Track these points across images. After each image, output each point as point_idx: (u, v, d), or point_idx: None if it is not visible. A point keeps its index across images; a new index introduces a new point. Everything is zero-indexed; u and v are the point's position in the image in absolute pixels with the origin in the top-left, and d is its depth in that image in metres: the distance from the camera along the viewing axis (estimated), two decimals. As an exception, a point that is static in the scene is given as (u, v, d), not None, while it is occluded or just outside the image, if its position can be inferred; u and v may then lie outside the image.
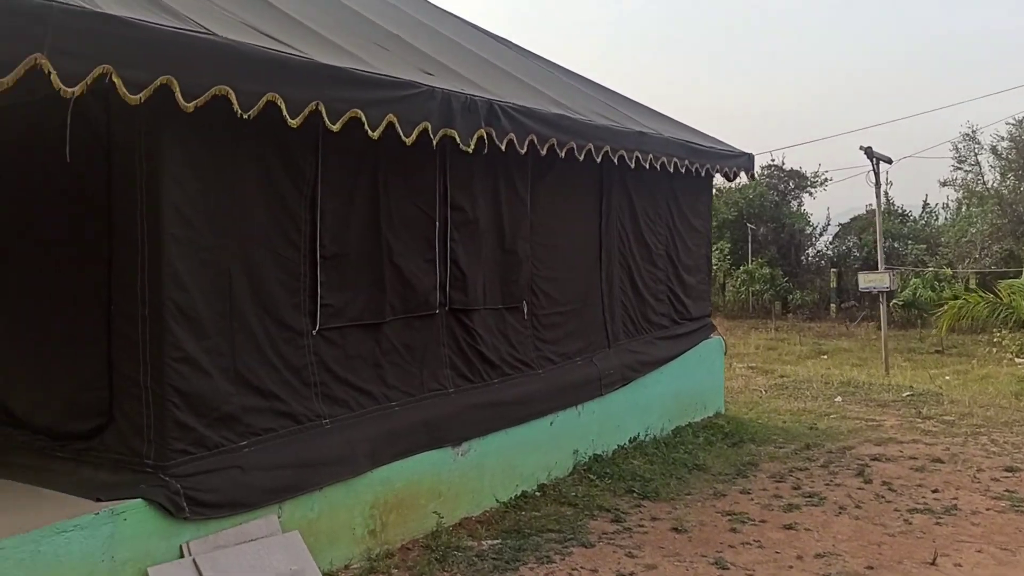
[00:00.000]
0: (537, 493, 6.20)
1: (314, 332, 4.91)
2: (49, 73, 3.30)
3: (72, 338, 4.38)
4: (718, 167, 8.41)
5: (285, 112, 4.18)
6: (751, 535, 5.47)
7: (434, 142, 5.10)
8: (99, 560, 3.75)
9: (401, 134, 4.82)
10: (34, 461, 4.39)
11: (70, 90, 3.38)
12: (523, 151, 5.69)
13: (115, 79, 3.49)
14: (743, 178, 9.35)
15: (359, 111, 4.54)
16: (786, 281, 23.45)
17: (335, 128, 4.47)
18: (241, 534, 4.29)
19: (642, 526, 5.61)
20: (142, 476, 4.09)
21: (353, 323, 5.15)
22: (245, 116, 4.02)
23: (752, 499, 6.21)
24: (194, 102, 3.79)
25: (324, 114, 4.37)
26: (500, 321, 6.25)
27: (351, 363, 5.14)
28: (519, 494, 6.10)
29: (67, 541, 3.64)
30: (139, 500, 3.93)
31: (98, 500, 3.88)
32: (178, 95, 3.72)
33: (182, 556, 4.05)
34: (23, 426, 4.58)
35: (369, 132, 4.65)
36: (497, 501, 5.91)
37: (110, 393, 4.25)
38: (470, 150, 5.28)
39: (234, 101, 3.94)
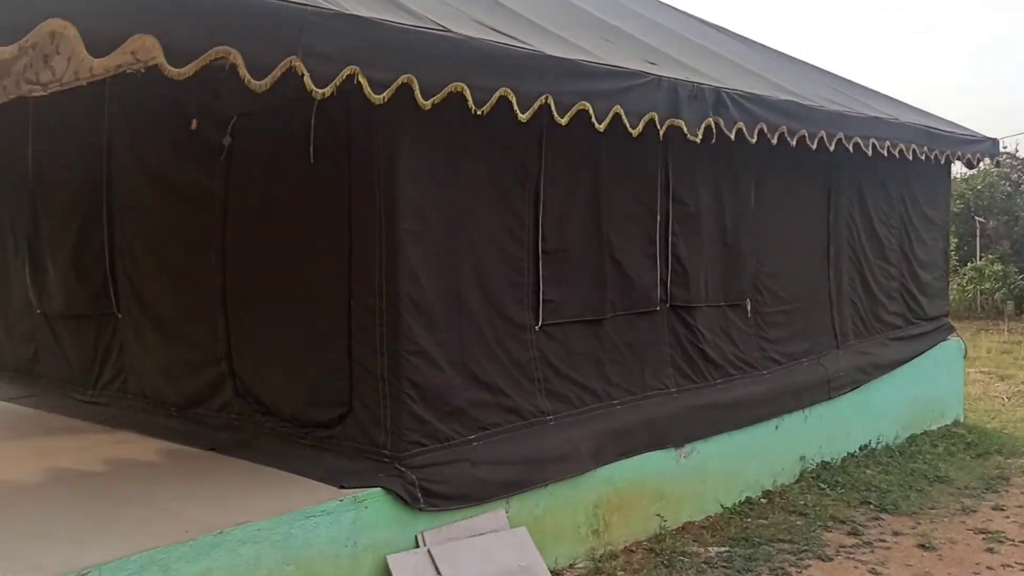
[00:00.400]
0: (763, 500, 5.91)
1: (537, 328, 4.89)
2: (303, 75, 3.41)
3: (316, 331, 4.56)
4: (959, 153, 7.73)
5: (516, 107, 4.16)
6: (1012, 557, 4.95)
7: (660, 133, 4.95)
8: (343, 545, 3.88)
9: (627, 126, 4.70)
10: (280, 447, 4.63)
11: (321, 91, 3.48)
12: (753, 140, 5.42)
13: (361, 79, 3.57)
14: (981, 165, 8.56)
15: (587, 103, 4.46)
16: (1021, 279, 21.39)
17: (563, 122, 4.41)
18: (471, 527, 4.32)
19: (883, 540, 5.21)
20: (380, 465, 4.21)
21: (574, 319, 5.10)
22: (478, 112, 4.03)
23: (1007, 517, 5.63)
24: (431, 100, 3.83)
25: (553, 107, 4.32)
26: (723, 319, 6.01)
27: (573, 360, 5.08)
28: (743, 500, 5.84)
29: (315, 525, 3.78)
30: (378, 489, 4.03)
31: (342, 487, 4.01)
32: (417, 93, 3.76)
33: (417, 546, 4.12)
34: (271, 414, 4.82)
35: (596, 124, 4.56)
36: (721, 507, 5.68)
37: (350, 384, 4.40)
38: (698, 140, 5.08)
39: (469, 97, 3.95)
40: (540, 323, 4.88)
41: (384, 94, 3.66)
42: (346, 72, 3.51)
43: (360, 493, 3.98)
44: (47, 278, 6.44)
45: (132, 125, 5.58)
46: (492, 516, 4.41)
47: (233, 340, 5.02)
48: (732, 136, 5.28)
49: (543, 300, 4.88)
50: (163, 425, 5.30)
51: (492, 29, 4.41)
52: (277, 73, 3.37)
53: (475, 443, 4.48)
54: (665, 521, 5.26)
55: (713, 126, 5.15)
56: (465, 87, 3.93)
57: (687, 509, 5.49)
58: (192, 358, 5.28)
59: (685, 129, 5.02)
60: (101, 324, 6.01)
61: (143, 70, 5.33)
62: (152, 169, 5.49)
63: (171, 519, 3.70)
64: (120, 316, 5.84)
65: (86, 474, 4.47)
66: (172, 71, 3.18)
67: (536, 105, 4.25)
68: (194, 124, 4.88)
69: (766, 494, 5.98)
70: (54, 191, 6.32)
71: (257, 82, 3.35)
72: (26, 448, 5.04)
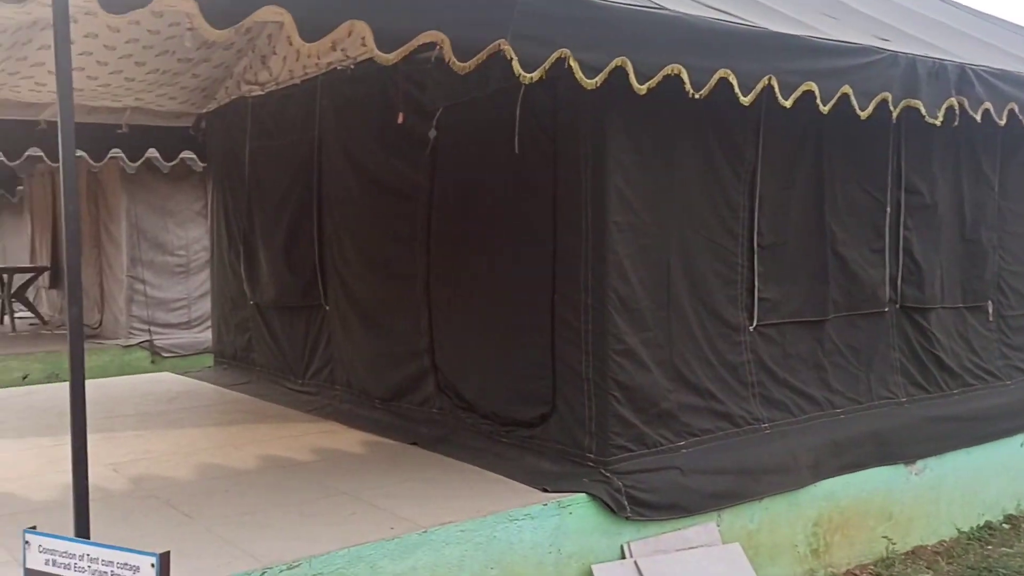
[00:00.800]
0: (1005, 525, 5.27)
1: (751, 328, 4.55)
2: (511, 59, 3.26)
3: (518, 326, 4.43)
4: None
5: (737, 89, 3.85)
6: None
7: (894, 115, 4.48)
8: (546, 551, 3.72)
9: (856, 107, 4.27)
10: (481, 444, 4.54)
11: (528, 76, 3.32)
12: (1002, 122, 4.81)
13: (572, 63, 3.38)
14: None
15: (813, 84, 4.08)
16: None
17: (787, 104, 4.04)
18: (680, 540, 4.05)
19: None
20: (584, 470, 4.02)
21: (792, 319, 4.72)
22: (696, 96, 3.74)
23: None
24: (647, 83, 3.59)
25: (776, 89, 3.98)
26: (960, 322, 5.41)
27: (790, 363, 4.71)
28: (982, 524, 5.23)
29: (519, 529, 3.64)
30: (583, 494, 3.84)
31: (545, 491, 3.86)
32: (632, 77, 3.53)
33: (623, 557, 3.90)
34: (472, 410, 4.75)
35: (820, 106, 4.16)
36: (957, 530, 5.10)
37: (553, 382, 4.24)
38: (937, 123, 4.55)
39: (686, 80, 3.68)
40: (755, 323, 4.53)
41: (596, 78, 3.46)
42: (556, 55, 3.33)
43: (564, 498, 3.81)
44: (260, 270, 6.72)
45: (341, 121, 5.69)
46: (703, 529, 4.12)
47: (436, 334, 4.99)
48: (978, 118, 4.71)
49: (758, 298, 4.53)
50: (367, 416, 5.37)
51: (708, 6, 4.11)
52: (483, 56, 3.25)
53: (684, 450, 4.20)
54: (893, 544, 4.77)
55: (956, 107, 4.61)
56: (683, 69, 3.66)
57: (918, 531, 4.96)
58: (395, 351, 5.30)
59: (923, 111, 4.51)
60: (310, 315, 6.19)
61: (352, 66, 5.45)
62: (359, 163, 5.57)
63: (377, 514, 3.67)
64: (327, 308, 5.99)
65: (296, 463, 4.56)
66: (381, 56, 3.12)
67: (759, 87, 3.92)
68: (401, 118, 4.88)
69: (1009, 519, 5.33)
70: (268, 186, 6.58)
71: (461, 64, 3.24)
72: (241, 434, 5.24)
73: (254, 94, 6.50)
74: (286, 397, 6.15)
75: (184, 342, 9.73)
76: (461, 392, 4.83)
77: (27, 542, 2.43)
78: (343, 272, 5.80)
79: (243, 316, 7.06)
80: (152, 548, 3.26)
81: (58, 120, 2.77)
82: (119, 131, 7.01)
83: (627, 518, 3.89)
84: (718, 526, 4.17)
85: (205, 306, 9.35)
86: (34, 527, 2.47)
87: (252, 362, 6.98)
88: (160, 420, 5.70)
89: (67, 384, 2.70)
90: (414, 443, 4.76)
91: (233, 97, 6.78)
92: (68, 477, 2.81)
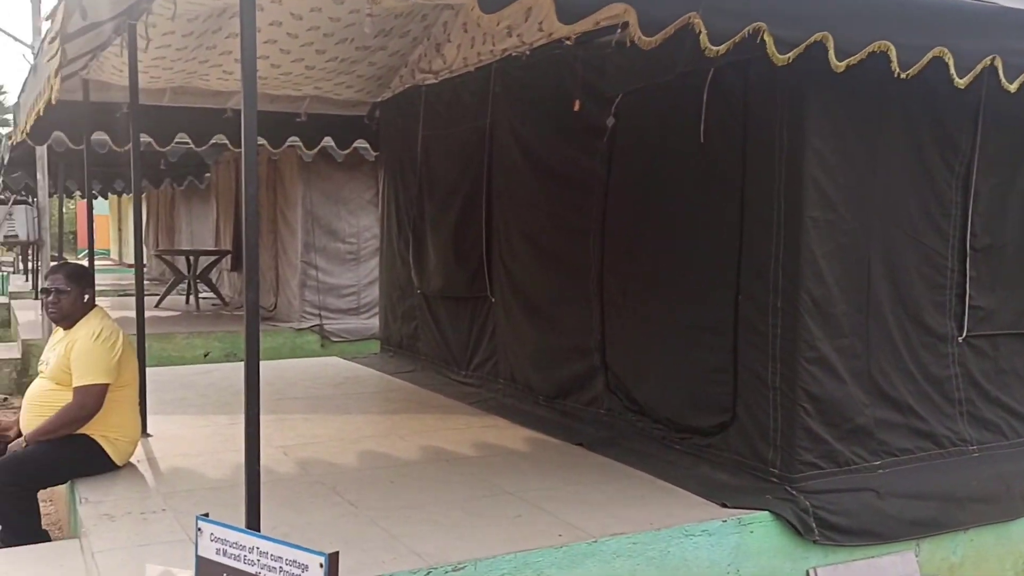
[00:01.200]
0: None
1: (960, 339, 4.10)
2: (699, 32, 3.00)
3: (697, 327, 4.16)
4: None
5: (952, 69, 3.42)
6: None
7: None
8: (724, 571, 3.45)
9: (1099, 92, 3.73)
10: (652, 450, 4.31)
11: (715, 49, 3.03)
12: None
13: (766, 37, 3.07)
14: None
15: (1047, 64, 3.58)
16: None
17: (1012, 88, 3.56)
18: (873, 569, 3.67)
19: None
20: (767, 485, 3.72)
21: (1008, 331, 4.25)
22: (903, 76, 3.34)
23: None
24: (847, 61, 3.22)
25: (1000, 71, 3.51)
26: None
27: (1005, 380, 4.23)
28: None
29: (695, 546, 3.39)
30: (766, 512, 3.54)
31: (724, 506, 3.58)
32: (831, 54, 3.17)
33: (808, 583, 3.58)
34: (643, 413, 4.52)
35: (1052, 91, 3.66)
36: None
37: (734, 389, 3.95)
38: None
39: (893, 58, 3.28)
40: (964, 334, 4.08)
41: (790, 54, 3.13)
42: (748, 29, 3.04)
43: (745, 515, 3.52)
44: (427, 260, 6.71)
45: (514, 108, 5.56)
46: (899, 559, 3.72)
47: (607, 331, 4.77)
48: None
49: (970, 306, 4.08)
50: (530, 413, 5.23)
51: (925, -22, 3.68)
52: (671, 30, 3.00)
53: (881, 471, 3.83)
54: (1121, 590, 4.20)
55: None
56: (891, 46, 3.26)
57: None
58: (562, 347, 5.14)
59: None
60: (475, 307, 6.11)
61: (527, 52, 5.30)
62: (532, 151, 5.42)
63: (543, 518, 3.50)
64: (493, 300, 5.89)
65: (459, 457, 4.47)
66: (559, 28, 2.92)
67: (979, 68, 3.46)
68: (577, 105, 4.70)
69: None
70: (438, 175, 6.56)
71: (647, 39, 3.00)
72: (405, 423, 5.21)
73: (427, 82, 6.48)
74: (449, 388, 6.12)
75: (352, 327, 9.95)
76: (632, 394, 4.59)
77: (199, 529, 2.40)
78: (510, 263, 5.68)
79: (410, 305, 7.09)
80: (318, 536, 3.24)
81: (242, 107, 2.75)
82: (298, 119, 7.17)
83: (815, 541, 3.56)
84: (916, 556, 3.77)
85: (373, 293, 9.51)
86: (206, 514, 2.44)
87: (417, 351, 7.00)
88: (328, 404, 5.77)
89: (243, 364, 2.67)
90: (580, 444, 4.58)
91: (407, 86, 6.80)
92: (242, 457, 2.79)
